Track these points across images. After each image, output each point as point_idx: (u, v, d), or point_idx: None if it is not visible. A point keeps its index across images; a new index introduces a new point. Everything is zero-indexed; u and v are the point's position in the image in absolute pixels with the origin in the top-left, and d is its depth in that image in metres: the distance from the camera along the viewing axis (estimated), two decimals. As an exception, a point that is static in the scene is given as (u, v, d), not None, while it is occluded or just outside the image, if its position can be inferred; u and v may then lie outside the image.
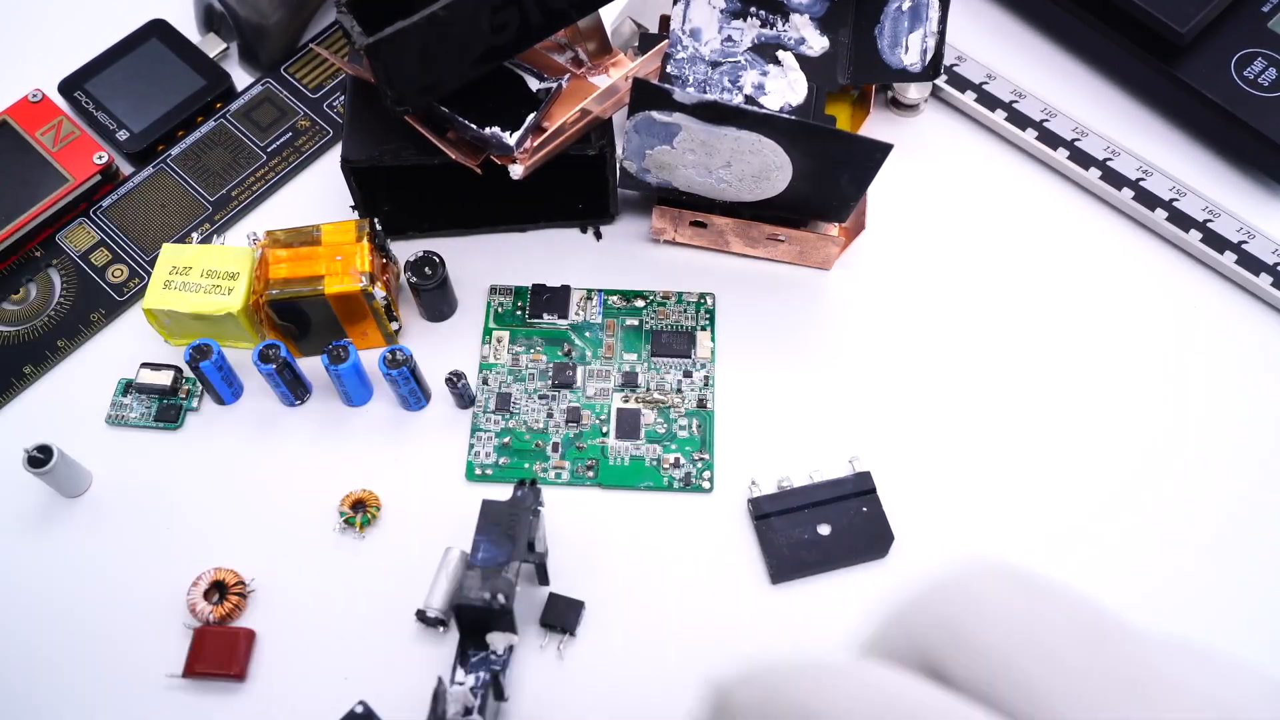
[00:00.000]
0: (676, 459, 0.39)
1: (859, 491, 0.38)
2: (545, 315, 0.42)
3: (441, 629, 0.36)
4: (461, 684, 0.33)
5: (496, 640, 0.33)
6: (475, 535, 0.33)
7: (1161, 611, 0.37)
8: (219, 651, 0.35)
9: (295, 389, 0.40)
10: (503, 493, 0.36)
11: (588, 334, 0.42)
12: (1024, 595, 0.20)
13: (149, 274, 0.44)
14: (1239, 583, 0.37)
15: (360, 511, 0.38)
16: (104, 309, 0.43)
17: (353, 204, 0.42)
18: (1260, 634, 0.36)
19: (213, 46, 0.49)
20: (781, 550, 0.37)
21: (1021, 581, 0.20)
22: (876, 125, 0.46)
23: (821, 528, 0.37)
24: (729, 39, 0.41)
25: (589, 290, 0.43)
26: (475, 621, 0.33)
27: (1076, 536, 0.38)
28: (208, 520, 0.39)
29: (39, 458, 0.37)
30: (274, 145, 0.47)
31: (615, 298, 0.42)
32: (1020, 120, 0.45)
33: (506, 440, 0.40)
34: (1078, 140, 0.45)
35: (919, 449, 0.39)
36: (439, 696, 0.31)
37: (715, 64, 0.41)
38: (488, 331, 0.42)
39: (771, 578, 0.37)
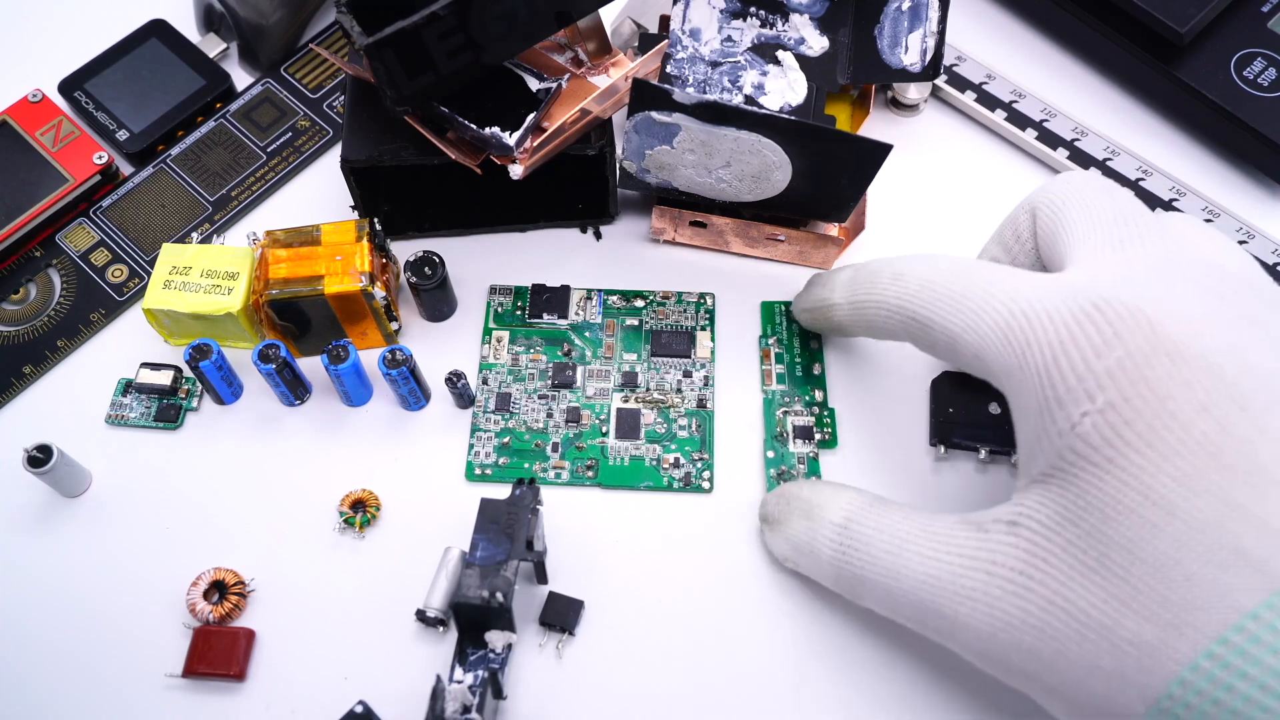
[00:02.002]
0: (676, 459, 0.39)
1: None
2: (545, 315, 0.42)
3: (441, 629, 0.36)
4: (460, 682, 0.33)
5: (495, 639, 0.33)
6: (473, 533, 0.33)
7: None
8: (219, 651, 0.35)
9: (295, 389, 0.40)
10: (503, 493, 0.36)
11: (588, 334, 0.42)
12: (1098, 190, 0.31)
13: (149, 274, 0.44)
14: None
15: (360, 511, 0.38)
16: (104, 309, 0.43)
17: (353, 204, 0.42)
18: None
19: (213, 46, 0.49)
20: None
21: (1103, 185, 0.31)
22: (876, 125, 0.46)
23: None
24: (729, 39, 0.41)
25: (589, 290, 0.43)
26: (474, 620, 0.33)
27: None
28: (207, 520, 0.39)
29: (39, 458, 0.37)
30: (274, 145, 0.47)
31: (615, 298, 0.42)
32: (1020, 120, 0.45)
33: (506, 440, 0.40)
34: (1077, 140, 0.45)
35: (919, 448, 0.39)
36: (437, 694, 0.31)
37: (715, 64, 0.41)
38: (487, 331, 0.42)
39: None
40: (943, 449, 0.38)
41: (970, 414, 0.38)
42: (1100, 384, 0.24)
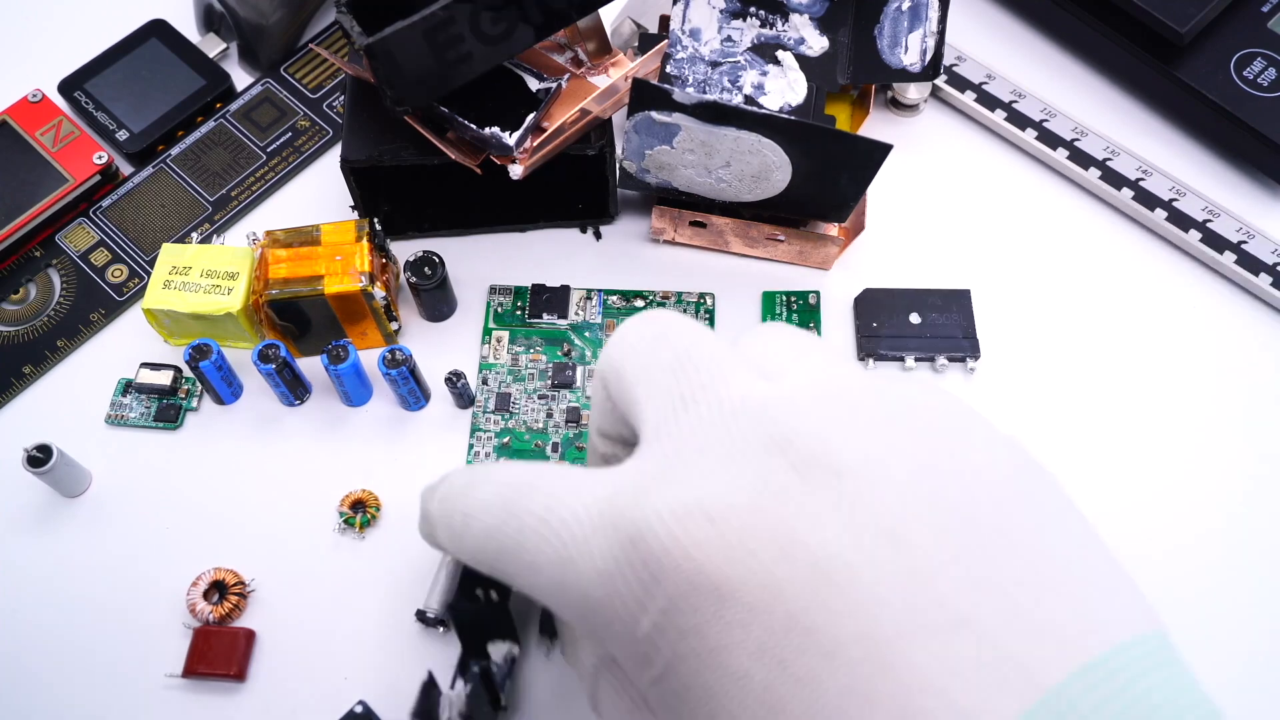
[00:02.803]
0: (676, 459, 0.39)
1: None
2: (545, 315, 0.42)
3: (441, 629, 0.36)
4: (455, 690, 0.32)
5: (496, 650, 0.33)
6: None
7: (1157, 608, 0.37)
8: (219, 651, 0.35)
9: (295, 389, 0.40)
10: (502, 493, 0.36)
11: (587, 334, 0.42)
12: (653, 339, 0.24)
13: (149, 274, 0.44)
14: (1238, 581, 0.37)
15: (360, 512, 0.38)
16: (104, 309, 0.43)
17: (352, 204, 0.42)
18: (1247, 628, 0.36)
19: (213, 46, 0.49)
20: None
21: (659, 331, 0.24)
22: (876, 125, 0.46)
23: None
24: (728, 39, 0.41)
25: (589, 290, 0.43)
26: (473, 625, 0.33)
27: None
28: (207, 520, 0.39)
29: (39, 457, 0.37)
30: (274, 145, 0.47)
31: (615, 298, 0.42)
32: (1020, 120, 0.45)
33: (506, 440, 0.39)
34: (1077, 140, 0.45)
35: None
36: (428, 692, 0.31)
37: (715, 64, 0.41)
38: (487, 331, 0.42)
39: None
40: (870, 362, 0.40)
41: (892, 326, 0.41)
42: (654, 645, 0.19)
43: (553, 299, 0.42)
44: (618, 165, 0.40)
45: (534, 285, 0.43)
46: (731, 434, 0.21)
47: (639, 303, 0.42)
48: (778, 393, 0.22)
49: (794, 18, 0.42)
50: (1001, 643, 0.17)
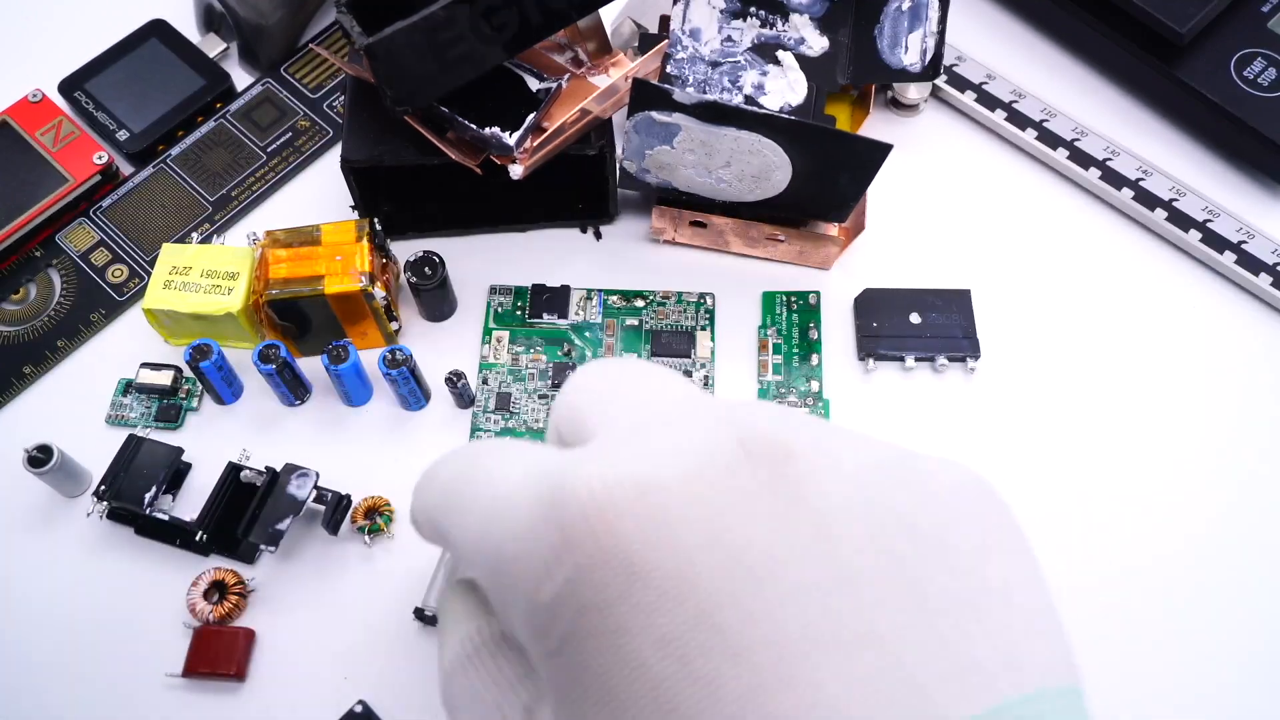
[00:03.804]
0: (676, 459, 0.39)
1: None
2: (545, 315, 0.42)
3: (441, 629, 0.36)
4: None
5: None
6: None
7: (1153, 608, 0.37)
8: (219, 651, 0.35)
9: (295, 389, 0.40)
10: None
11: (588, 334, 0.42)
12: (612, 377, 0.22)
13: (149, 274, 0.44)
14: (1235, 580, 0.37)
15: (374, 517, 0.38)
16: (104, 309, 0.43)
17: (353, 204, 0.42)
18: (1247, 627, 0.36)
19: (213, 46, 0.49)
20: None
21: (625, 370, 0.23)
22: (876, 125, 0.46)
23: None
24: (729, 39, 0.41)
25: (589, 290, 0.43)
26: None
27: (1068, 531, 0.38)
28: (208, 520, 0.39)
29: (39, 458, 0.37)
30: (274, 145, 0.47)
31: (615, 298, 0.42)
32: (1020, 120, 0.45)
33: (506, 440, 0.39)
34: (1077, 140, 0.45)
35: (915, 446, 0.39)
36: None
37: (715, 64, 0.41)
38: (487, 331, 0.42)
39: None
40: (870, 362, 0.40)
41: (893, 326, 0.41)
42: (555, 615, 0.18)
43: (553, 299, 0.42)
44: (618, 165, 0.40)
45: (534, 285, 0.43)
46: (684, 410, 0.20)
47: (639, 303, 0.42)
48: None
49: (794, 18, 0.42)
50: (911, 669, 0.16)
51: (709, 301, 0.42)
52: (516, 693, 0.20)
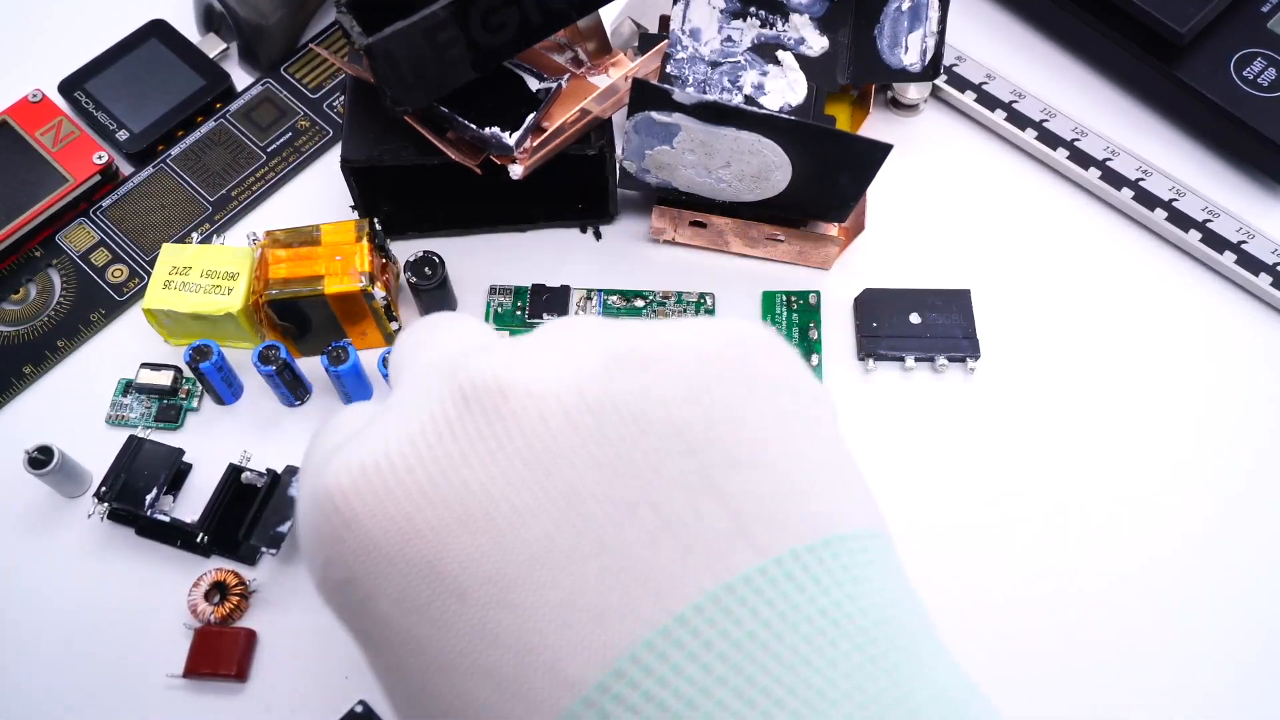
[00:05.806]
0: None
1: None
2: (545, 315, 0.42)
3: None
4: None
5: None
6: None
7: (1153, 608, 0.37)
8: (219, 652, 0.35)
9: (295, 389, 0.40)
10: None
11: (588, 334, 0.42)
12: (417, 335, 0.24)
13: (149, 274, 0.44)
14: (1235, 579, 0.37)
15: None
16: (104, 309, 0.43)
17: (352, 204, 0.42)
18: (1247, 626, 0.36)
19: (213, 46, 0.49)
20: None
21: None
22: (876, 125, 0.46)
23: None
24: (729, 39, 0.41)
25: (589, 290, 0.43)
26: None
27: (1068, 532, 0.38)
28: (208, 520, 0.39)
29: (40, 459, 0.37)
30: (274, 145, 0.47)
31: (615, 298, 0.42)
32: (1020, 120, 0.45)
33: (506, 440, 0.39)
34: (1077, 140, 0.45)
35: (915, 447, 0.39)
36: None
37: (715, 64, 0.41)
38: (488, 331, 0.42)
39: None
40: (870, 362, 0.40)
41: (892, 326, 0.41)
42: (327, 594, 0.20)
43: (553, 299, 0.42)
44: (618, 165, 0.40)
45: (534, 285, 0.43)
46: (420, 384, 0.21)
47: (639, 303, 0.42)
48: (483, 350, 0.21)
49: (794, 18, 0.42)
50: (643, 564, 0.17)
51: (709, 301, 0.42)
52: None
